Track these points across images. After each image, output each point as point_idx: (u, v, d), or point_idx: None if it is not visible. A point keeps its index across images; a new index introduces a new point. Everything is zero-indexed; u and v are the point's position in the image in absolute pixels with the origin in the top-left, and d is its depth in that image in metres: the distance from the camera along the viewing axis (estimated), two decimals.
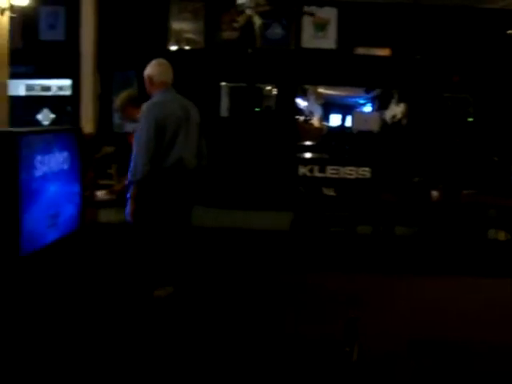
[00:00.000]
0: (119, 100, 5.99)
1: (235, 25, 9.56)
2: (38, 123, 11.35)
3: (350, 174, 8.79)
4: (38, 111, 11.53)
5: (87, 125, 8.49)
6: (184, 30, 10.67)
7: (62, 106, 11.61)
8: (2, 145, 5.44)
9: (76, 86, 9.81)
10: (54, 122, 11.45)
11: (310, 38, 10.47)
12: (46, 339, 4.40)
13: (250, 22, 8.96)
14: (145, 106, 5.05)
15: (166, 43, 10.66)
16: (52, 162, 6.10)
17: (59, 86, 12.15)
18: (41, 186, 5.88)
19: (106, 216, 7.51)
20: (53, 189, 6.13)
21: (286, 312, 5.22)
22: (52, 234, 6.20)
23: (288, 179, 9.14)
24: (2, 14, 6.50)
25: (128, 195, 5.04)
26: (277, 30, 10.49)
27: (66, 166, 6.46)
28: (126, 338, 4.46)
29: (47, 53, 10.91)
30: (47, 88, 12.44)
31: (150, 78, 5.15)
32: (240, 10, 8.88)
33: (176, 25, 10.65)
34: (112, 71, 10.55)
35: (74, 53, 8.89)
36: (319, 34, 10.43)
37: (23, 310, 4.96)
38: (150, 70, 5.18)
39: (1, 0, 6.45)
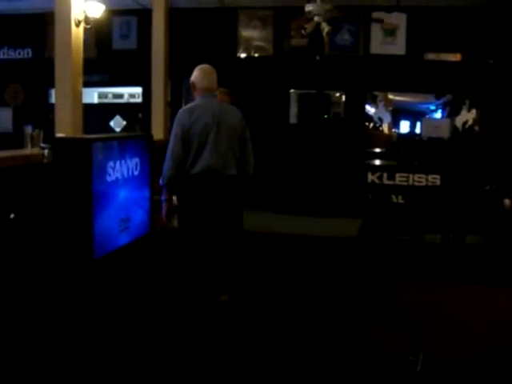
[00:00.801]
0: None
1: (303, 32, 9.56)
2: (111, 130, 11.66)
3: (420, 182, 8.64)
4: (110, 118, 11.84)
5: (157, 131, 8.67)
6: (253, 37, 10.78)
7: (134, 112, 11.89)
8: (75, 151, 5.61)
9: (147, 94, 10.04)
10: (125, 129, 11.73)
11: (379, 44, 10.40)
12: (118, 338, 4.54)
13: (318, 28, 8.94)
14: (179, 112, 5.05)
15: (234, 51, 10.79)
16: (123, 167, 6.25)
17: (131, 93, 12.48)
18: (112, 191, 6.03)
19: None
20: (124, 194, 6.28)
21: (351, 319, 5.20)
22: (123, 238, 6.35)
23: (357, 186, 9.07)
24: (78, 25, 6.71)
25: (162, 198, 5.15)
26: (345, 37, 10.46)
27: (136, 172, 6.60)
28: (187, 340, 4.55)
29: (119, 62, 11.21)
30: (119, 96, 12.81)
31: (193, 84, 5.14)
32: (308, 17, 8.89)
33: (245, 32, 10.78)
34: (182, 78, 10.73)
35: (145, 61, 9.11)
36: (388, 39, 10.35)
37: (96, 309, 5.11)
38: (193, 75, 5.15)
39: (77, 12, 6.67)
